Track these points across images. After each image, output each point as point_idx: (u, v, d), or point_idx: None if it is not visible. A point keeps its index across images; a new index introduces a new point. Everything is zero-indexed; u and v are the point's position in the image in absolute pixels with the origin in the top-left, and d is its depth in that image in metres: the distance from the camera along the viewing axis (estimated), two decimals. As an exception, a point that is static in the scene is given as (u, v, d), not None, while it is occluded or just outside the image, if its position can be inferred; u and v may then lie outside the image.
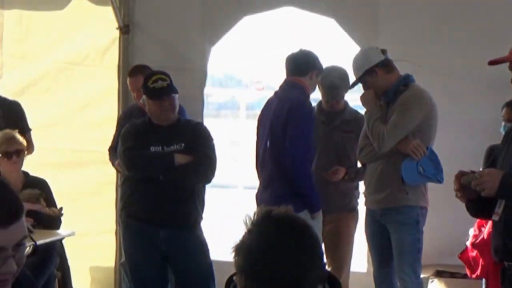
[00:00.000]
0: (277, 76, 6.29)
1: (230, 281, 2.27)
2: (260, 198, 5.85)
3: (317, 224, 5.62)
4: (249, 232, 2.18)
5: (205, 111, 7.23)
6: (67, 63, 7.32)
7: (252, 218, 2.19)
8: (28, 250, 2.12)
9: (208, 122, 6.63)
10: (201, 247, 5.69)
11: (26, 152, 6.21)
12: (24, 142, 6.19)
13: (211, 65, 7.19)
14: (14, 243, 2.04)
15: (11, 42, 7.51)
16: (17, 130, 6.22)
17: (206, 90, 7.21)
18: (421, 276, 5.69)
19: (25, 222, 2.09)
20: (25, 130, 6.59)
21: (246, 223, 2.19)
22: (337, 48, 7.58)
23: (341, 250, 6.20)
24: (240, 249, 2.17)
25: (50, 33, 7.37)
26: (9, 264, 2.03)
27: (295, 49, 5.89)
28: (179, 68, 6.57)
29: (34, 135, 6.86)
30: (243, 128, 13.03)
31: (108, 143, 6.64)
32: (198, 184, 5.65)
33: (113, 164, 6.54)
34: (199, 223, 5.72)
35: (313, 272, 2.15)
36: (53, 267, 6.02)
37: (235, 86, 15.97)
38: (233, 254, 2.18)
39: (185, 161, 5.46)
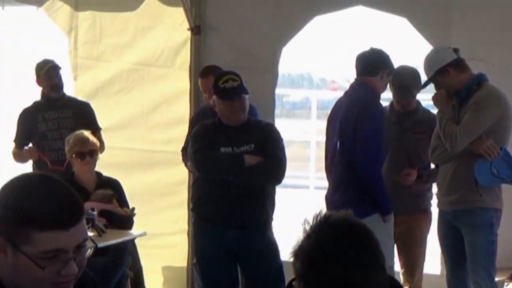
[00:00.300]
0: (350, 76, 6.23)
1: (289, 286, 2.23)
2: (330, 200, 5.80)
3: (389, 227, 5.56)
4: (308, 237, 2.13)
5: (281, 111, 7.20)
6: (140, 64, 7.37)
7: (311, 222, 2.14)
8: (89, 252, 2.12)
9: (282, 122, 6.60)
10: (272, 248, 5.67)
11: (99, 152, 6.28)
12: (97, 143, 6.25)
13: (285, 64, 7.14)
14: (75, 245, 2.03)
15: (86, 44, 7.61)
16: (89, 131, 6.30)
17: (283, 90, 7.17)
18: (496, 279, 5.58)
19: (85, 224, 2.09)
20: (95, 130, 6.68)
21: (304, 228, 2.14)
22: (409, 47, 7.47)
23: (413, 252, 6.11)
24: (298, 255, 2.13)
25: (123, 34, 7.44)
26: (70, 267, 2.02)
27: (366, 48, 5.84)
28: (251, 68, 6.56)
29: (107, 135, 6.95)
30: (315, 128, 13.00)
31: (181, 143, 6.67)
32: (268, 185, 5.61)
33: (186, 165, 6.57)
34: (269, 224, 5.70)
35: (373, 279, 2.09)
36: (125, 266, 6.06)
37: (309, 86, 15.96)
38: (292, 259, 2.14)
39: (255, 162, 5.43)
